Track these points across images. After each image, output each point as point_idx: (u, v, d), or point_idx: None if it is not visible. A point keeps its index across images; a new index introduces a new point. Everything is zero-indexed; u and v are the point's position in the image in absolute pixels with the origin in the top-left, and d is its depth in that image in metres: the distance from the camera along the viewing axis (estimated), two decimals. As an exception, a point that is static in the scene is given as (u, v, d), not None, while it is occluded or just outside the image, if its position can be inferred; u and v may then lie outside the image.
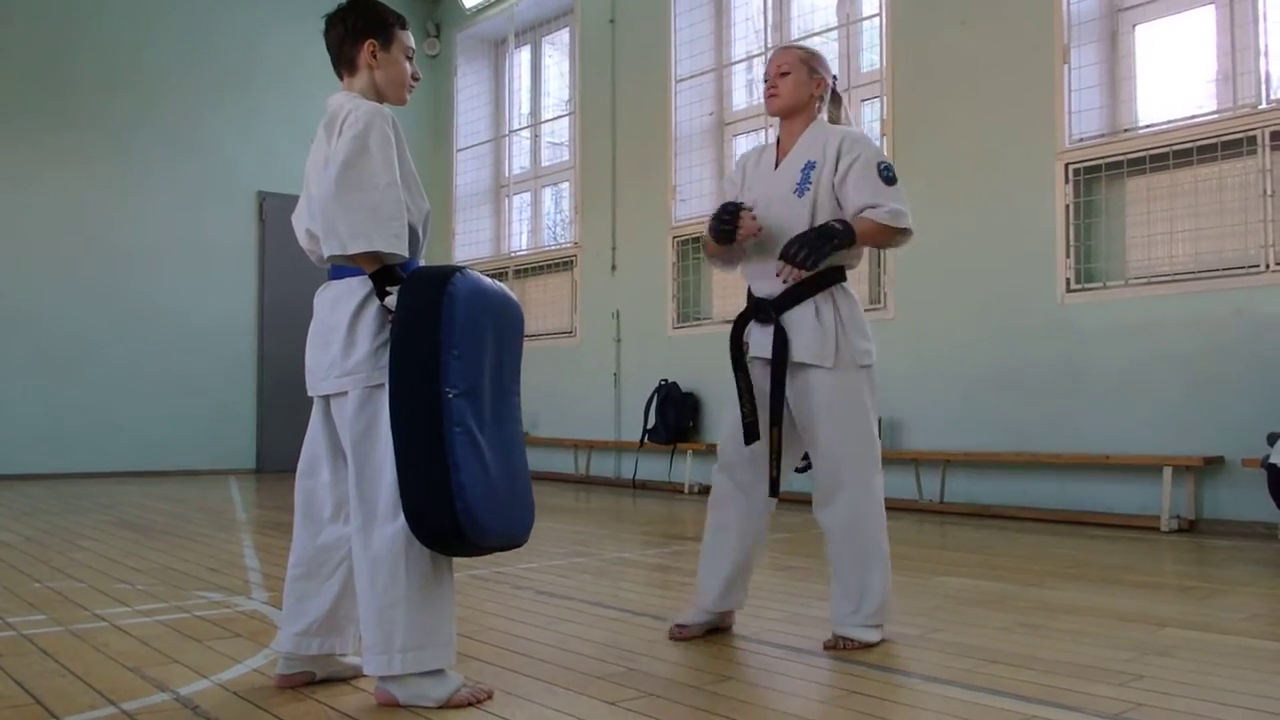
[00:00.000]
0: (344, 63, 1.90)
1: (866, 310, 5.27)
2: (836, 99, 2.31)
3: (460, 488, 1.60)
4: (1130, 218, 4.49)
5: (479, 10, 8.11)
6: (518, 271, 7.75)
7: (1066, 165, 4.60)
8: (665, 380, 6.21)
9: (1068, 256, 4.58)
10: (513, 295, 1.87)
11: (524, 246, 7.97)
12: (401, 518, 1.69)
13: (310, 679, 1.87)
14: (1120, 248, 4.52)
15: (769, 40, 6.09)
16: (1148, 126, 4.49)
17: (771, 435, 2.14)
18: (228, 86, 7.55)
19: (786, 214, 2.18)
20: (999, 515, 4.63)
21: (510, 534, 1.75)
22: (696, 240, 5.96)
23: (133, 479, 6.83)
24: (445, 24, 8.54)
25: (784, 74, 2.25)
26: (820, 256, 2.05)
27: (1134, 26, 4.66)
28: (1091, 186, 4.59)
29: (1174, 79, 4.52)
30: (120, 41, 7.18)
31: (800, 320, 2.16)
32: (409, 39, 1.94)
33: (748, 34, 6.43)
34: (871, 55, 5.65)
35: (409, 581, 1.69)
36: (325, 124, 1.82)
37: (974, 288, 4.94)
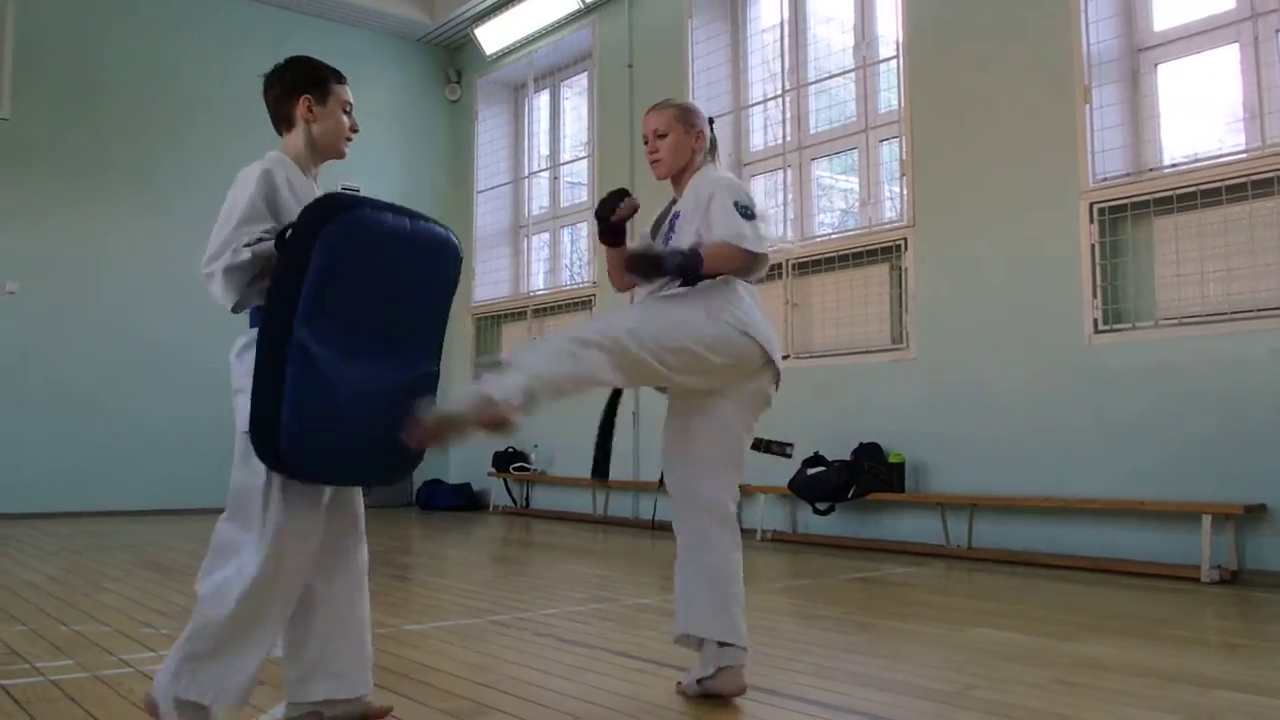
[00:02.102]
0: (281, 120, 1.94)
1: (886, 350, 5.33)
2: (714, 148, 2.32)
3: (289, 417, 1.65)
4: (1158, 257, 4.43)
5: (499, 56, 8.24)
6: (537, 310, 7.76)
7: (1091, 205, 4.56)
8: (685, 420, 6.15)
9: (1095, 296, 4.52)
10: (437, 232, 1.84)
11: (543, 286, 8.00)
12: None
13: (320, 722, 1.83)
14: (1149, 288, 4.46)
15: (785, 83, 6.13)
16: (1173, 165, 4.45)
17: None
18: (243, 126, 7.67)
19: None
20: (1029, 562, 4.51)
21: (356, 466, 1.77)
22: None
23: (152, 517, 6.82)
24: (466, 70, 8.68)
25: (661, 136, 2.24)
26: (648, 280, 2.18)
27: (1156, 66, 4.65)
28: (1117, 226, 4.54)
29: (1198, 118, 4.49)
30: (142, 83, 7.34)
31: None
32: (346, 93, 1.96)
33: (764, 76, 6.47)
34: (889, 96, 5.67)
35: None
36: None
37: (999, 328, 4.88)
